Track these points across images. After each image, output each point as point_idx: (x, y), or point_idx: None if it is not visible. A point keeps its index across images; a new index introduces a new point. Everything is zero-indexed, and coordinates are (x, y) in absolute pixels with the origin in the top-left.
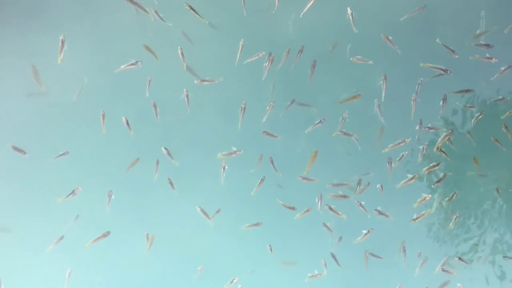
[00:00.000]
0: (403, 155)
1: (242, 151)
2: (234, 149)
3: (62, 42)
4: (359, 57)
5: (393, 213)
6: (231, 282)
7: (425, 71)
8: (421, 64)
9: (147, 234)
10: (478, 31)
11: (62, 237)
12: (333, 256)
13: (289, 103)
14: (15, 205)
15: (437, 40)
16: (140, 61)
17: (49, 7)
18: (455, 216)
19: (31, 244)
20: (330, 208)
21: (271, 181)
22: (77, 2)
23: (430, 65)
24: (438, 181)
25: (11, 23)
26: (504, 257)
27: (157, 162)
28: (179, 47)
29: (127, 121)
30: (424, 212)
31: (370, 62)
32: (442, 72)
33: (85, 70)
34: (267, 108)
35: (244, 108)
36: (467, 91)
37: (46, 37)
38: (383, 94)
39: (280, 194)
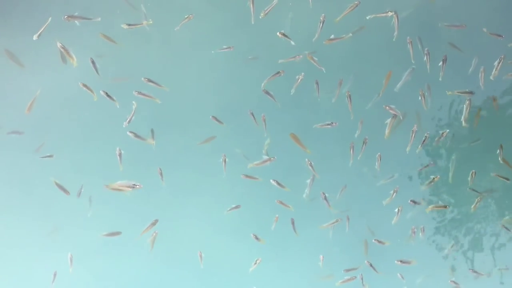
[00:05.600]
0: (443, 133)
1: (275, 158)
2: (266, 157)
3: (64, 48)
4: (316, 59)
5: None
6: (255, 263)
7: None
8: (448, 92)
9: (156, 232)
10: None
11: (120, 233)
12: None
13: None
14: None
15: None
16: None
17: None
18: (477, 199)
19: (31, 243)
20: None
21: (269, 181)
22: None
23: (457, 91)
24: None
25: (12, 24)
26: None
27: (154, 141)
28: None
29: (107, 93)
30: (434, 177)
31: (322, 69)
32: (467, 95)
33: (87, 71)
34: (297, 77)
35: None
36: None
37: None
38: (395, 34)
39: (284, 194)
